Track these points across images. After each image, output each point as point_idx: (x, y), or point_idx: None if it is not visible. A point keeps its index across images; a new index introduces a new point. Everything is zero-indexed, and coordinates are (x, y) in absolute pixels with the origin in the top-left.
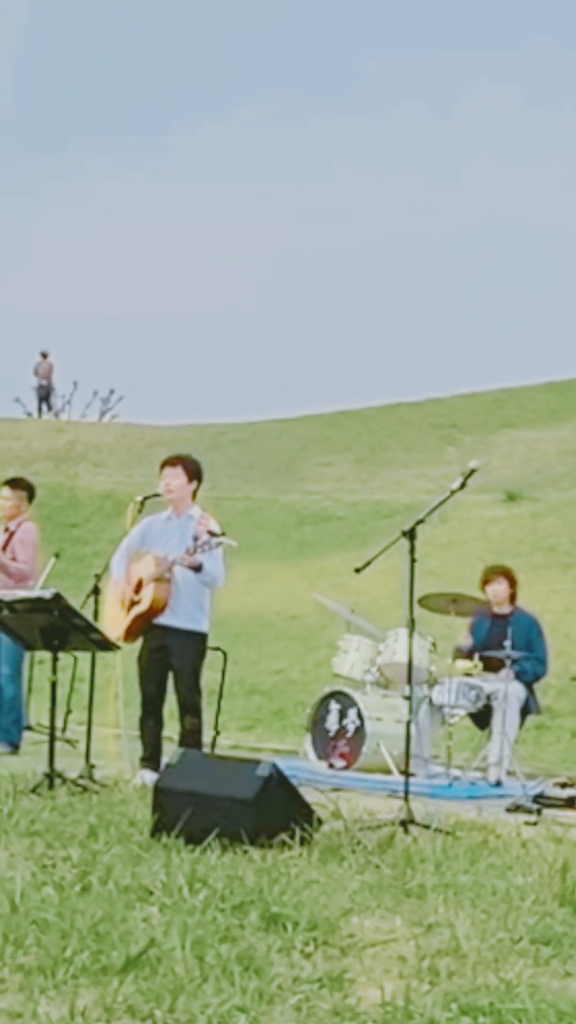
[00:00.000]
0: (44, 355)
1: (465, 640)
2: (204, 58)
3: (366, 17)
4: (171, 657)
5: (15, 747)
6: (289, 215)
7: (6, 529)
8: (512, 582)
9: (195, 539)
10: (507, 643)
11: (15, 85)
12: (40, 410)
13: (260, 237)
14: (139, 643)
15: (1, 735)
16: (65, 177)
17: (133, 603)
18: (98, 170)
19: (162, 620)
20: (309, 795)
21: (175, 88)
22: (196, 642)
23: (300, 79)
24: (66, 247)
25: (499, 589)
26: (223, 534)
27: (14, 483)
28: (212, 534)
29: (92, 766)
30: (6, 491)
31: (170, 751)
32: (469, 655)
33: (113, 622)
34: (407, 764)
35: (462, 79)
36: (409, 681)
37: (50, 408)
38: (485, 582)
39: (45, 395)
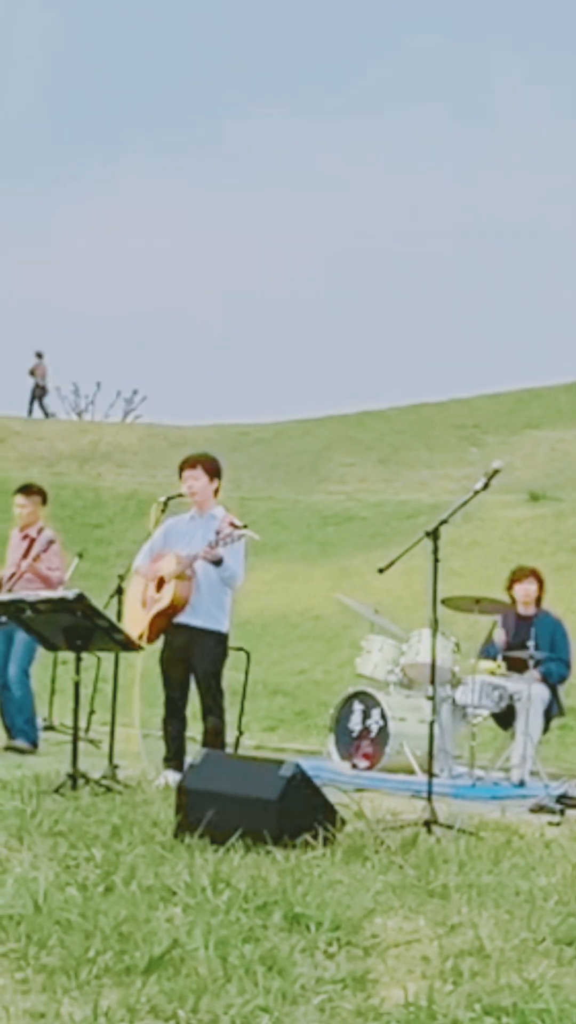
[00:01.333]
0: (39, 355)
1: (499, 637)
2: (230, 57)
3: (394, 15)
4: (192, 658)
5: (35, 745)
6: (313, 215)
7: (25, 536)
8: (541, 583)
9: (217, 533)
10: (530, 643)
11: (45, 83)
12: (41, 411)
13: (283, 237)
14: (161, 643)
15: (19, 734)
16: (90, 175)
17: (154, 601)
18: (123, 169)
19: (183, 619)
20: (332, 795)
21: (202, 87)
22: (217, 642)
23: (328, 78)
24: (90, 246)
25: (530, 589)
26: (245, 527)
27: (27, 490)
28: (234, 526)
29: (115, 766)
30: (20, 498)
31: (193, 751)
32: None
33: (134, 621)
34: (430, 764)
35: (489, 79)
36: (432, 681)
37: (43, 409)
38: (515, 581)
39: (40, 396)
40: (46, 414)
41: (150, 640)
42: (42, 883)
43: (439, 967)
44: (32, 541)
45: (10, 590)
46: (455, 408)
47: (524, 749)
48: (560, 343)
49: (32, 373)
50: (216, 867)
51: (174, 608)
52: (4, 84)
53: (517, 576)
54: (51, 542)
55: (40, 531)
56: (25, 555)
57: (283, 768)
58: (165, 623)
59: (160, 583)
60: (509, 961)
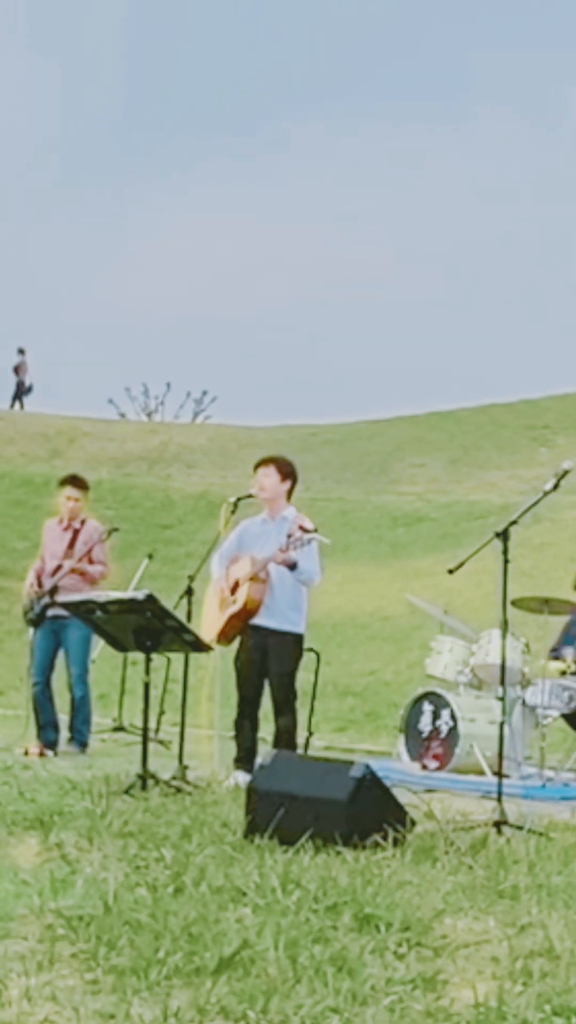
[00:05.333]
0: (21, 351)
1: (569, 654)
2: (298, 64)
3: (461, 19)
4: (267, 659)
5: (84, 746)
6: (383, 217)
7: (68, 527)
8: None
9: (288, 536)
10: None
11: (121, 91)
12: (13, 404)
13: (354, 238)
14: (236, 644)
15: (73, 735)
16: (163, 177)
17: (229, 604)
18: (194, 174)
19: (258, 621)
20: (402, 796)
21: (273, 90)
22: (292, 643)
23: (397, 82)
24: (161, 248)
25: None
26: (316, 531)
27: (77, 482)
28: (305, 530)
29: (185, 767)
30: (71, 491)
31: (263, 752)
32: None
33: (210, 624)
34: (500, 765)
35: (558, 81)
36: (502, 682)
37: (14, 403)
38: None
39: (22, 393)
40: (20, 406)
41: (226, 642)
42: (112, 884)
43: (509, 968)
44: (76, 532)
45: (53, 588)
46: (525, 408)
47: None
48: None
49: (16, 371)
50: (286, 868)
51: (247, 610)
52: (82, 92)
53: None
54: (111, 530)
55: (83, 522)
56: (71, 546)
57: (353, 769)
58: (240, 625)
59: (235, 586)
60: None
